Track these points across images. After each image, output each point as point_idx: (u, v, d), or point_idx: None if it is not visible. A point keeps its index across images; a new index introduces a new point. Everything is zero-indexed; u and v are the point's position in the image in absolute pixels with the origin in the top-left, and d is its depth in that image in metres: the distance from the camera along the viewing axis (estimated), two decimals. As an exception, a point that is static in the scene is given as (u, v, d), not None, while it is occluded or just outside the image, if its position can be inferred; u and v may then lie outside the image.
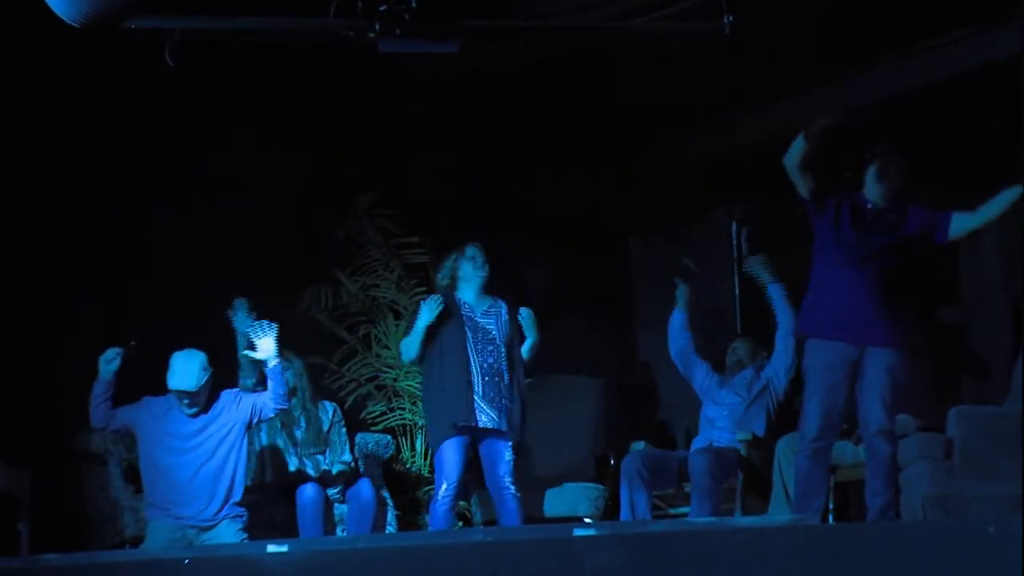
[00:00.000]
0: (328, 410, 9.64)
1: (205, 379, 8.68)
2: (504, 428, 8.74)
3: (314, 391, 9.63)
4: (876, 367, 7.79)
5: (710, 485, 8.80)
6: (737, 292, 10.98)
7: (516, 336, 8.90)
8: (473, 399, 8.71)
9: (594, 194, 11.21)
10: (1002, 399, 9.01)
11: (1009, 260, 9.86)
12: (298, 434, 9.48)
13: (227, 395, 8.84)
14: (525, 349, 8.86)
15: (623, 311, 11.69)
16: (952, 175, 10.15)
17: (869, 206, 8.03)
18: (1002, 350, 9.59)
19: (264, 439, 9.45)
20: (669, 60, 9.33)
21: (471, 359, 8.77)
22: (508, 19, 8.80)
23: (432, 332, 8.82)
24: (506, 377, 8.79)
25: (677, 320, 9.65)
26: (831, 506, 8.60)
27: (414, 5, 7.72)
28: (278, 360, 8.72)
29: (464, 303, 8.90)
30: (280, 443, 9.45)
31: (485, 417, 8.72)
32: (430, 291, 10.35)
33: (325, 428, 9.56)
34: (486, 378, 8.76)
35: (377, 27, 7.82)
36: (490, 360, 8.80)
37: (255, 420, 8.84)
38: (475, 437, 8.78)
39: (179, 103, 9.56)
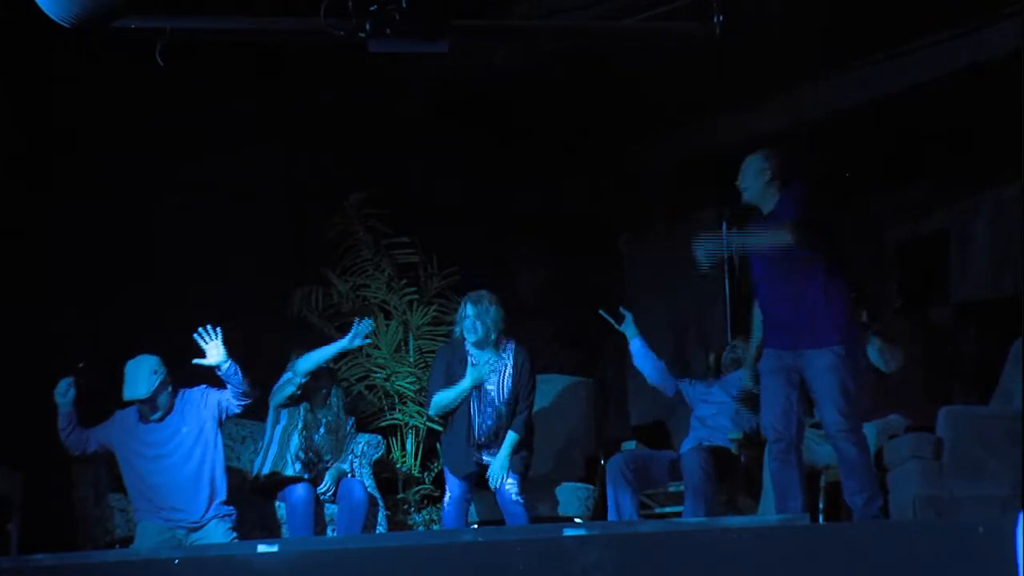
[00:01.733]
0: (347, 425, 9.65)
1: (157, 383, 8.70)
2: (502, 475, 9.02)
3: (344, 404, 9.67)
4: (815, 369, 7.78)
5: (704, 482, 8.79)
6: (727, 292, 10.97)
7: (522, 386, 9.10)
8: (473, 451, 9.03)
9: (585, 194, 11.21)
10: (991, 399, 9.02)
11: (999, 259, 9.87)
12: (316, 439, 9.45)
13: (193, 393, 8.88)
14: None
15: (614, 311, 11.68)
16: (942, 175, 10.18)
17: (764, 213, 8.03)
18: (992, 350, 9.60)
19: (278, 433, 9.40)
20: (660, 60, 9.34)
21: (473, 419, 9.06)
22: (498, 19, 8.80)
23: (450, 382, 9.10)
24: (508, 423, 9.06)
25: (637, 347, 9.60)
26: (821, 506, 8.61)
27: (404, 5, 7.73)
28: (229, 362, 8.73)
29: (472, 355, 9.11)
30: (293, 443, 9.41)
31: (487, 457, 9.06)
32: (420, 291, 10.39)
33: (344, 439, 9.56)
34: (483, 438, 9.07)
35: (367, 27, 7.83)
36: (488, 423, 9.07)
37: (223, 417, 8.90)
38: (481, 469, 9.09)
39: (168, 103, 9.54)
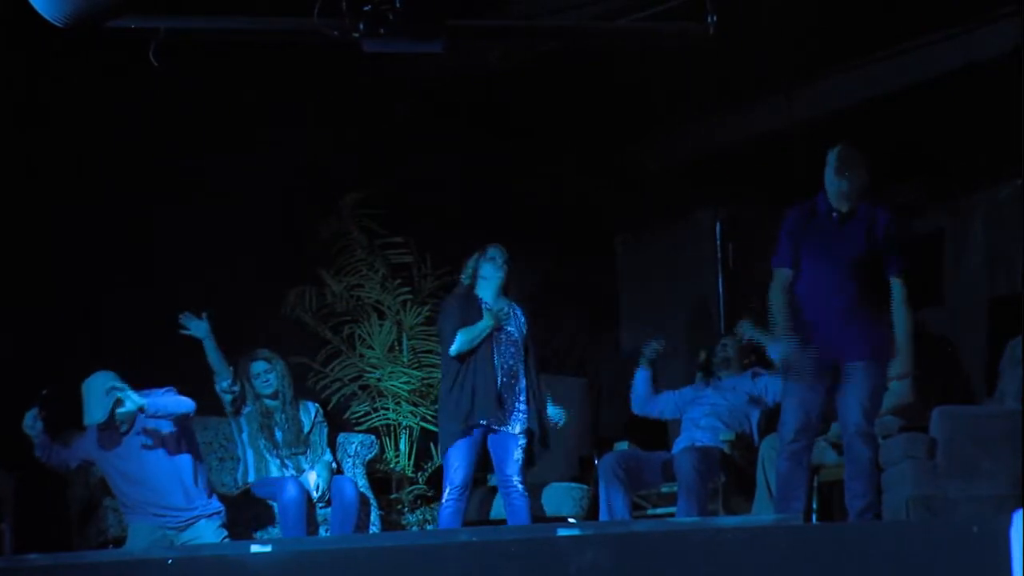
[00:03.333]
0: (311, 411, 9.66)
1: (111, 403, 8.70)
2: (512, 431, 8.90)
3: (295, 392, 9.64)
4: (855, 374, 7.78)
5: (697, 483, 8.79)
6: (721, 292, 10.99)
7: (530, 340, 9.05)
8: (492, 398, 8.85)
9: (580, 194, 11.21)
10: (985, 399, 9.02)
11: (994, 259, 9.87)
12: (279, 435, 9.48)
13: (165, 389, 8.92)
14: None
15: (609, 311, 11.69)
16: (938, 175, 10.18)
17: (834, 215, 7.99)
18: (986, 350, 9.61)
19: (246, 440, 9.47)
20: (654, 60, 9.34)
21: (495, 357, 8.93)
22: (493, 19, 8.79)
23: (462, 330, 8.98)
24: (521, 380, 8.97)
25: (642, 377, 9.61)
26: (815, 506, 8.60)
27: (398, 5, 7.71)
28: (144, 404, 8.69)
29: (485, 303, 9.04)
30: (261, 444, 9.46)
31: (498, 417, 8.89)
32: (414, 291, 10.38)
33: (307, 429, 9.57)
34: (504, 379, 8.92)
35: (361, 27, 7.82)
36: (510, 361, 8.98)
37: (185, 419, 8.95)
38: (484, 435, 8.92)
39: (162, 103, 9.53)
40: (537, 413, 8.93)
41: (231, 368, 9.39)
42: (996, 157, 9.50)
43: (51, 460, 8.84)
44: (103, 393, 8.68)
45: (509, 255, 9.11)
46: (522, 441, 8.90)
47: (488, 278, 9.06)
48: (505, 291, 9.09)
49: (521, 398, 8.93)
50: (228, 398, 9.46)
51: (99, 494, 9.21)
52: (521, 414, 8.91)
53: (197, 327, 9.31)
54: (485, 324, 8.94)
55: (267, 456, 9.44)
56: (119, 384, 8.70)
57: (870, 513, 7.72)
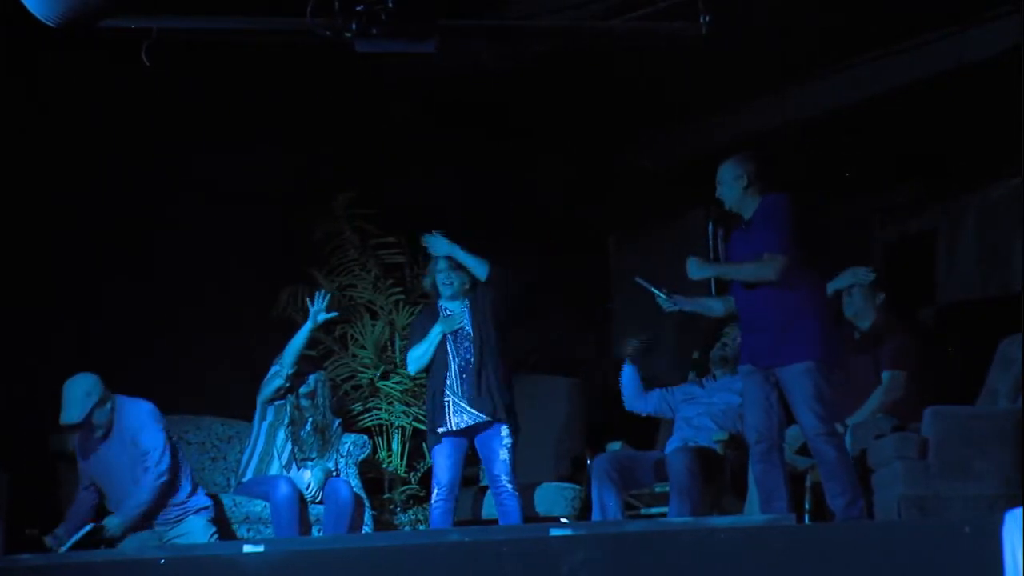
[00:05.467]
0: (333, 424, 9.65)
1: (92, 404, 8.70)
2: (485, 419, 8.84)
3: (332, 404, 9.67)
4: (791, 374, 7.77)
5: (689, 482, 8.78)
6: (713, 292, 10.96)
7: (493, 324, 8.98)
8: (450, 401, 8.84)
9: (572, 193, 11.21)
10: (977, 399, 9.03)
11: (986, 260, 9.88)
12: (301, 434, 9.46)
13: (133, 408, 8.86)
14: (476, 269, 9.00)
15: (601, 310, 11.69)
16: (930, 175, 10.19)
17: (742, 224, 8.02)
18: (978, 350, 9.61)
19: (264, 429, 9.45)
20: (647, 60, 9.34)
21: (450, 361, 8.91)
22: (485, 19, 8.79)
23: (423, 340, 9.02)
24: (487, 369, 8.88)
25: (629, 372, 9.60)
26: (807, 506, 8.61)
27: (391, 5, 7.71)
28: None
29: (444, 308, 9.05)
30: (280, 437, 9.44)
31: (467, 416, 8.85)
32: (407, 291, 10.39)
33: (330, 438, 9.57)
34: (463, 375, 8.88)
35: (354, 27, 7.82)
36: (467, 356, 8.92)
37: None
38: (468, 437, 8.91)
39: (155, 103, 9.53)
40: (503, 405, 8.88)
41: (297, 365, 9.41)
42: (989, 157, 9.51)
43: (86, 517, 8.86)
44: (84, 394, 8.68)
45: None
46: (507, 441, 8.88)
47: (441, 286, 9.09)
48: (464, 292, 9.06)
49: (488, 388, 8.86)
50: (277, 383, 9.43)
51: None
52: (491, 403, 8.84)
53: (318, 308, 9.33)
54: (433, 334, 8.97)
55: (275, 451, 9.41)
56: (100, 390, 8.70)
57: (855, 508, 7.71)
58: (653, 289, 9.00)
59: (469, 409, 8.84)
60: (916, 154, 9.93)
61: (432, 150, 10.66)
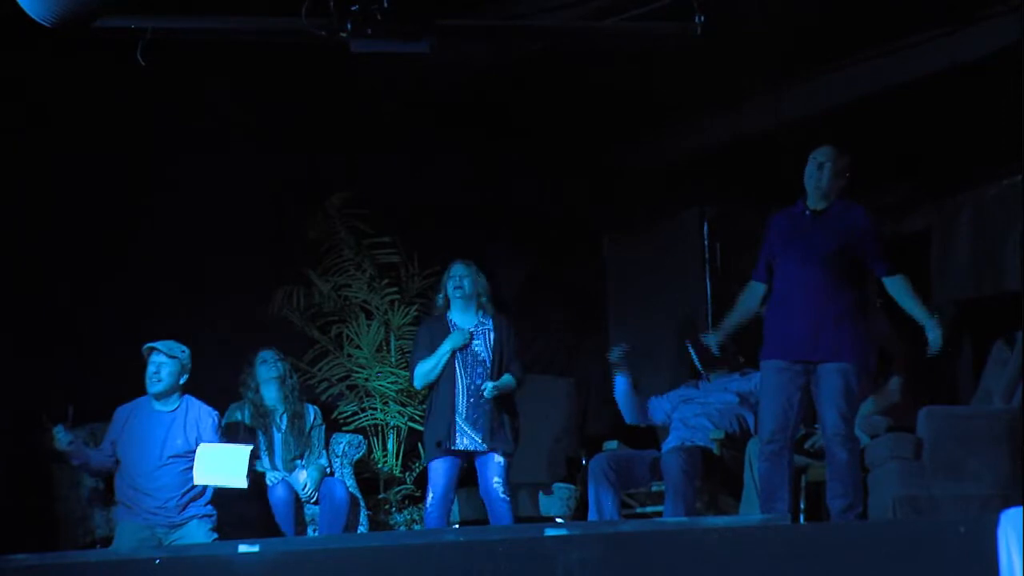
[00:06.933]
0: (309, 414, 9.63)
1: (179, 367, 8.82)
2: (485, 448, 8.86)
3: (301, 392, 9.66)
4: (830, 375, 7.79)
5: (684, 483, 8.79)
6: (709, 292, 10.99)
7: (509, 355, 8.99)
8: (455, 421, 8.84)
9: (567, 194, 11.21)
10: (971, 399, 9.04)
11: (981, 259, 9.89)
12: (277, 436, 9.46)
13: (204, 411, 8.95)
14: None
15: (596, 310, 11.69)
16: (924, 175, 10.19)
17: (807, 212, 8.01)
18: (972, 350, 9.62)
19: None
20: (641, 60, 9.35)
21: (458, 381, 8.88)
22: (480, 19, 8.79)
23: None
24: (497, 400, 8.90)
25: (621, 385, 9.55)
26: (802, 506, 8.61)
27: (386, 5, 7.72)
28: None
29: (454, 324, 9.00)
30: (260, 440, 9.44)
31: (467, 440, 8.87)
32: (402, 291, 10.38)
33: (306, 430, 9.55)
34: (471, 400, 8.88)
35: (349, 27, 7.82)
36: (478, 382, 8.91)
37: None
38: (468, 455, 8.93)
39: (149, 102, 9.52)
40: (511, 435, 8.92)
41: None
42: (983, 157, 9.52)
43: (92, 467, 8.88)
44: (179, 362, 8.85)
45: (476, 268, 9.06)
46: (502, 465, 8.89)
47: (453, 299, 9.03)
48: (479, 305, 9.04)
49: (495, 416, 8.88)
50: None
51: (86, 489, 9.20)
52: (494, 433, 8.87)
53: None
54: (442, 350, 8.91)
55: (264, 454, 9.40)
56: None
57: (851, 512, 7.72)
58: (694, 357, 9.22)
59: (474, 436, 8.86)
60: (910, 154, 9.93)
61: (426, 150, 10.65)
